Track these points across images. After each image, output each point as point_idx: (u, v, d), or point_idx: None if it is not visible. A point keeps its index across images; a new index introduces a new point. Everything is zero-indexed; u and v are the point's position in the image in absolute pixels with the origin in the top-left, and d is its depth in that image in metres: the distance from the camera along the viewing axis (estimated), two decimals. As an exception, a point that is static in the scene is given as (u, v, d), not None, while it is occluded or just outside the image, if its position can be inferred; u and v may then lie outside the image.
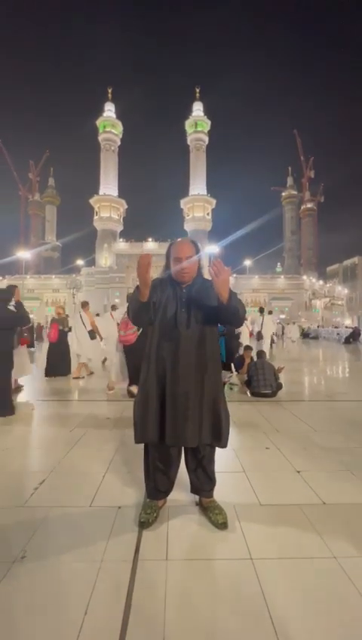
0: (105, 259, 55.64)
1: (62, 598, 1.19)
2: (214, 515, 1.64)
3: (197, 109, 65.59)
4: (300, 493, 1.96)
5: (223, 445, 1.63)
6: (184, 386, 1.54)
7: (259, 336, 9.10)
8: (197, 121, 64.37)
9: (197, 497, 1.81)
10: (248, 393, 4.76)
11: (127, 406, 3.97)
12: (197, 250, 1.71)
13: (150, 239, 53.88)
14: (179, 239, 1.73)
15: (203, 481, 1.73)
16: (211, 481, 1.74)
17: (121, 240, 56.35)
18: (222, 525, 1.59)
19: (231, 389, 5.09)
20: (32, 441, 2.87)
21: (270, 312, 10.05)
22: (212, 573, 1.32)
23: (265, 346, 9.16)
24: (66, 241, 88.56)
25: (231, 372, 5.56)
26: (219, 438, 1.60)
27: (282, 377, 5.04)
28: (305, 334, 24.98)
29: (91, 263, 56.54)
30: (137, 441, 1.63)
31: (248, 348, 5.74)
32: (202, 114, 65.10)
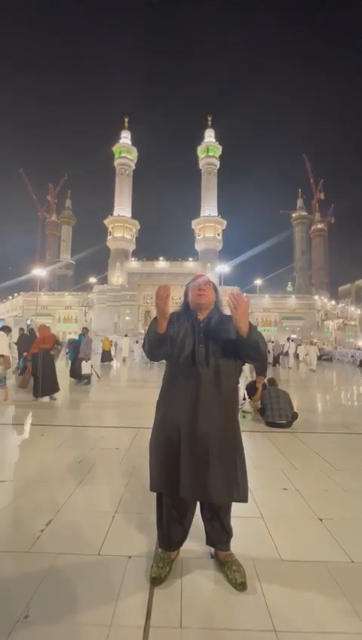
0: (117, 277, 56.55)
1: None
2: (232, 573, 1.51)
3: (209, 135, 68.18)
4: (325, 546, 1.80)
5: (244, 500, 1.51)
6: (203, 428, 1.45)
7: (286, 354, 14.28)
8: (209, 147, 66.72)
9: (212, 549, 1.68)
10: (263, 422, 4.58)
11: (138, 433, 3.85)
12: (214, 285, 1.69)
13: (161, 258, 54.83)
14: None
15: (219, 532, 1.61)
16: (227, 533, 1.61)
17: (133, 259, 57.52)
18: (241, 586, 1.46)
19: (243, 416, 4.92)
20: (39, 474, 2.77)
21: (292, 340, 15.27)
22: (231, 647, 1.19)
23: (290, 362, 14.56)
24: (80, 259, 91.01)
25: (244, 399, 5.40)
26: (238, 490, 1.48)
27: (296, 405, 4.85)
28: (318, 356, 24.34)
29: (104, 281, 57.57)
30: (152, 490, 1.54)
31: (260, 373, 5.59)
32: (213, 140, 67.54)
